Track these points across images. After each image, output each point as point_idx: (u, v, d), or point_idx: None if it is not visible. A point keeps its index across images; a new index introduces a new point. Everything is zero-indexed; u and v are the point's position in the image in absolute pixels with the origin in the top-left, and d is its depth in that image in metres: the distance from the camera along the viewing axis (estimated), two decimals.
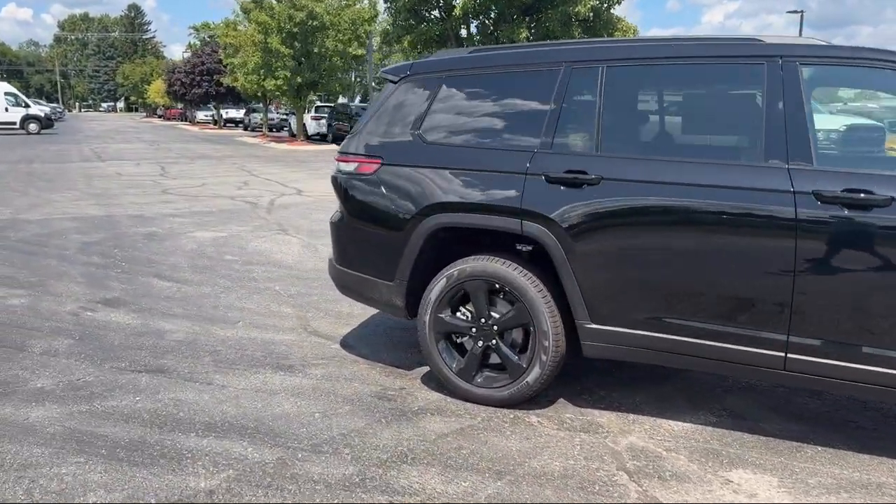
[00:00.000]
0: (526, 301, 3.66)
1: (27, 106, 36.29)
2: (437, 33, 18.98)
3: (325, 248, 8.07)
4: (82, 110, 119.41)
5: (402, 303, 4.05)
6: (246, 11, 31.20)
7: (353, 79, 33.90)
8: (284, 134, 39.04)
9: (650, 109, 3.92)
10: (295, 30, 28.70)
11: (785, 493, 3.04)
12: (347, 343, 4.89)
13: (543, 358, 3.66)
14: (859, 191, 3.03)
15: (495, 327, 3.81)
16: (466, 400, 3.90)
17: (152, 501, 2.87)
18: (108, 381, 4.08)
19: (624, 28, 17.48)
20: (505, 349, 3.80)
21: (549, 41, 4.59)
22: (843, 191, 3.05)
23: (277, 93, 31.65)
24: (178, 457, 3.23)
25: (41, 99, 75.58)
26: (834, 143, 5.34)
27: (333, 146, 29.99)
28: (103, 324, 5.14)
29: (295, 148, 28.82)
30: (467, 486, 3.05)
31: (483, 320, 3.83)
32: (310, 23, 28.52)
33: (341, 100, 43.32)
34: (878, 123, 6.67)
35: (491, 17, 18.10)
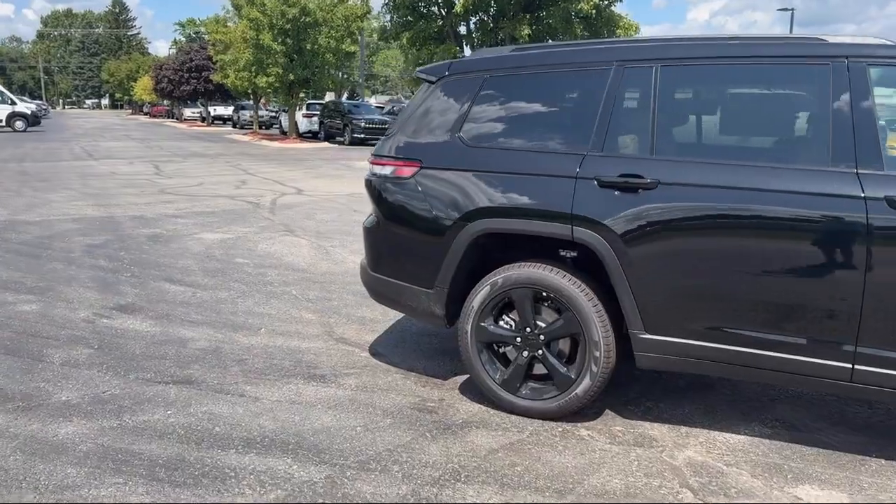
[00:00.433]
0: (575, 310, 3.53)
1: (13, 103, 35.61)
2: (436, 30, 18.76)
3: (336, 251, 7.95)
4: (66, 107, 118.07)
5: (443, 311, 3.91)
6: (237, 8, 30.88)
7: (340, 76, 33.42)
8: (274, 131, 38.71)
9: (707, 111, 3.79)
10: (287, 26, 28.39)
11: None
12: (377, 351, 4.74)
13: (594, 369, 3.53)
14: None
15: (542, 337, 3.67)
16: (510, 412, 3.77)
17: None
18: (136, 394, 3.91)
19: (625, 25, 17.37)
20: (552, 359, 3.66)
21: (597, 40, 4.46)
22: None
23: (269, 90, 31.34)
24: (221, 476, 3.08)
25: (25, 96, 74.59)
26: None
27: (326, 144, 29.79)
28: (121, 332, 4.96)
29: (288, 146, 28.54)
30: None
31: (529, 329, 3.69)
32: (302, 19, 28.25)
33: (329, 97, 42.96)
34: None
35: (491, 14, 17.90)
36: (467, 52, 18.91)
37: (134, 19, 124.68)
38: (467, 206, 3.74)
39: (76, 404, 3.76)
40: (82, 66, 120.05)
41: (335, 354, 4.64)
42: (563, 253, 3.75)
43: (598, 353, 3.51)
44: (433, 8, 18.54)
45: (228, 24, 34.54)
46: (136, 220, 9.71)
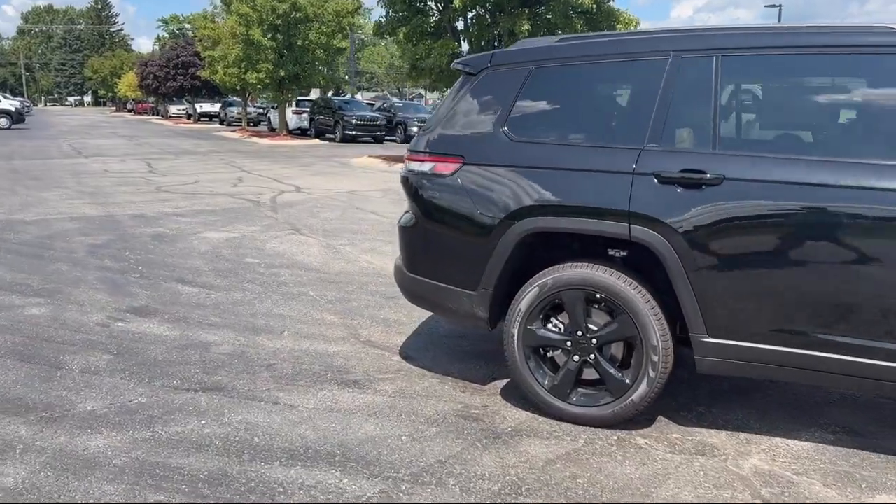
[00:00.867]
0: (632, 312, 3.36)
1: None
2: (434, 25, 18.55)
3: (347, 250, 7.76)
4: (48, 104, 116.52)
5: (486, 314, 3.74)
6: (226, 3, 30.47)
7: (326, 72, 33.09)
8: (263, 128, 38.31)
9: (773, 103, 3.63)
10: (278, 21, 28.05)
11: None
12: (408, 354, 4.56)
13: (652, 374, 3.37)
14: None
15: (594, 341, 3.51)
16: (558, 419, 3.60)
17: None
18: (164, 403, 3.71)
19: (626, 20, 17.23)
20: (605, 364, 3.50)
21: (652, 29, 4.29)
22: None
23: (259, 86, 30.97)
24: (269, 492, 2.89)
25: (6, 93, 73.52)
26: None
27: (317, 141, 29.50)
28: (139, 336, 4.75)
29: (279, 143, 28.21)
30: None
31: (580, 333, 3.52)
32: (293, 14, 27.92)
33: (314, 94, 42.52)
34: None
35: (488, 9, 17.69)
36: (465, 47, 18.64)
37: (116, 15, 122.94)
38: (514, 204, 3.57)
39: (103, 414, 3.56)
40: (64, 62, 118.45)
41: (365, 358, 4.46)
42: (612, 252, 3.59)
43: (656, 358, 3.35)
44: (430, 3, 18.31)
45: (217, 19, 34.09)
46: (136, 218, 9.46)
